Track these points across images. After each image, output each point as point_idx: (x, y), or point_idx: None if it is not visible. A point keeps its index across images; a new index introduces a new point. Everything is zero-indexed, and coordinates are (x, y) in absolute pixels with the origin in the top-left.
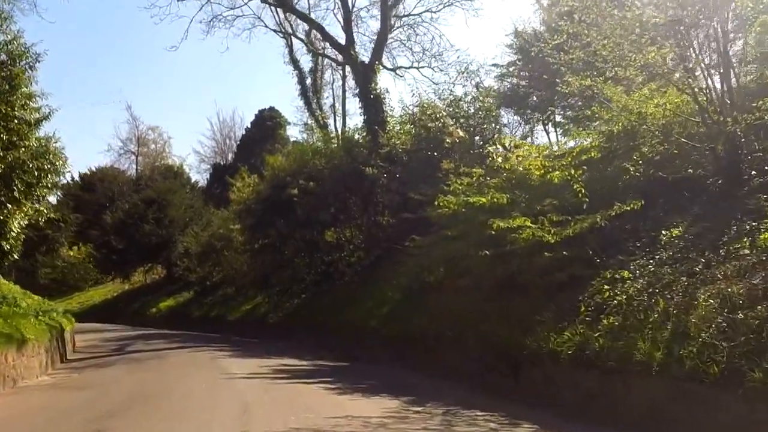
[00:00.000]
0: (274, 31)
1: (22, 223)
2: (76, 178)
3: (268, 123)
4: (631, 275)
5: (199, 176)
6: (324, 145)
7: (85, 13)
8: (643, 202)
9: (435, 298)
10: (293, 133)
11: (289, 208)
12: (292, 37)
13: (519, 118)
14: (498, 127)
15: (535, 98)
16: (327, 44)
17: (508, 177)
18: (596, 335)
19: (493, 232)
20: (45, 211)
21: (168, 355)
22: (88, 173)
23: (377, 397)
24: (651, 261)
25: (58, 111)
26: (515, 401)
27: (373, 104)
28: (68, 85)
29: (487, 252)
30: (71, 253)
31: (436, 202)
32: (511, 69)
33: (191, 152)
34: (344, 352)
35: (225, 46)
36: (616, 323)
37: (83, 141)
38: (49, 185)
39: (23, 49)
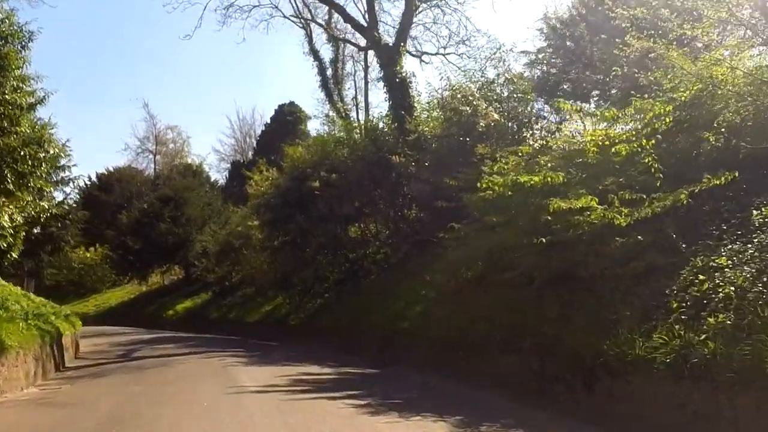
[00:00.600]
0: (293, 18)
1: (16, 218)
2: (94, 178)
3: (288, 118)
4: (729, 262)
5: (219, 175)
6: (346, 135)
7: (97, 15)
8: (737, 174)
9: (476, 295)
10: (314, 125)
11: (310, 201)
12: (311, 25)
13: (549, 108)
14: (534, 111)
15: (566, 86)
16: (349, 27)
17: (560, 155)
18: (702, 338)
19: (549, 217)
20: (46, 206)
21: (175, 362)
22: (106, 173)
23: (418, 417)
24: (749, 245)
25: (54, 95)
26: (591, 421)
27: (398, 89)
28: (82, 85)
29: (543, 239)
30: (88, 255)
31: (478, 184)
32: (540, 56)
33: (211, 151)
34: (372, 357)
35: (241, 38)
36: (728, 322)
37: (100, 141)
38: (45, 175)
39: (15, 28)
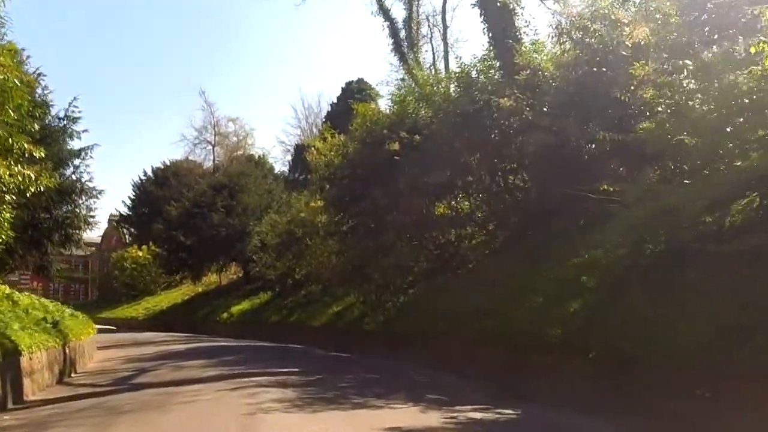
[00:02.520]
0: None
1: None
2: (149, 173)
3: (356, 96)
4: None
5: (285, 168)
6: (430, 89)
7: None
8: None
9: (691, 278)
10: (386, 91)
11: (387, 172)
12: None
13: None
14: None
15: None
16: None
17: None
18: None
19: None
20: (32, 175)
21: (181, 399)
22: (162, 167)
23: None
24: None
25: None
26: None
27: (499, 16)
28: (139, 76)
29: None
30: (140, 254)
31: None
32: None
33: (276, 144)
34: (494, 382)
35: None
36: None
37: (155, 133)
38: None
39: None
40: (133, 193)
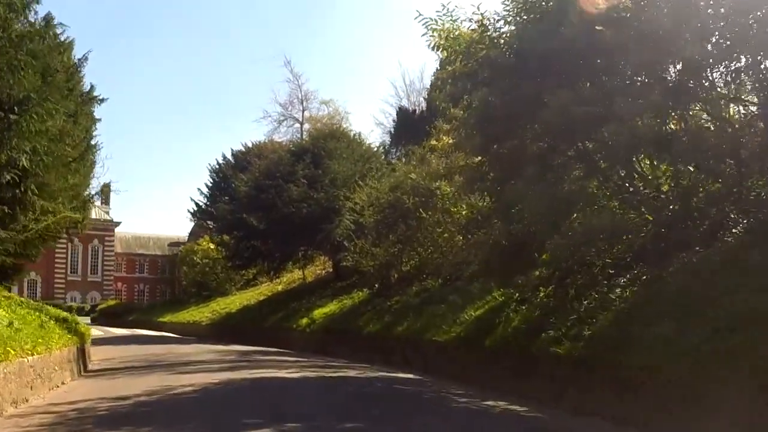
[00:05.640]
0: None
1: None
2: (228, 156)
3: None
4: None
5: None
6: None
7: None
8: None
9: None
10: None
11: (582, 60)
12: None
13: None
14: None
15: None
16: None
17: None
18: None
19: None
20: None
21: None
22: (242, 150)
23: None
24: None
25: None
26: None
27: None
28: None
29: None
30: (212, 247)
31: None
32: None
33: (374, 128)
34: None
35: None
36: None
37: (239, 109)
38: None
39: None
40: (211, 180)
